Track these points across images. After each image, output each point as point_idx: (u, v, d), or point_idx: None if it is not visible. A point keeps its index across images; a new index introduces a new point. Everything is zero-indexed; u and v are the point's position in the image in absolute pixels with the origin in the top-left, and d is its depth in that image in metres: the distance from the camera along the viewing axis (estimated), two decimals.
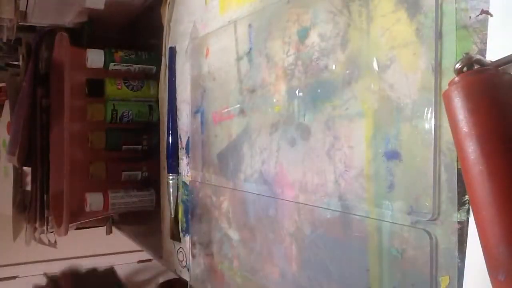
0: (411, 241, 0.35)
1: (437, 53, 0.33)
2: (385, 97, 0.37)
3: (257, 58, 0.53)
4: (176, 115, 0.76)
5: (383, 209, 0.37)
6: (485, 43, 0.30)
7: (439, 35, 0.33)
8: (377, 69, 0.37)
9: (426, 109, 0.33)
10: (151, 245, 0.89)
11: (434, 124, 0.33)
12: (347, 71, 0.40)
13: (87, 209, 0.80)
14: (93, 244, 1.28)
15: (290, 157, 0.48)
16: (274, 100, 0.50)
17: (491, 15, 0.29)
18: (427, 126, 0.33)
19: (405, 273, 0.35)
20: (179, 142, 0.75)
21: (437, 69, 0.33)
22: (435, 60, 0.33)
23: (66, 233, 0.82)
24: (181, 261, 0.74)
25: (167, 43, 0.79)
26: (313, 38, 0.44)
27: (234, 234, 0.58)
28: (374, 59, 0.37)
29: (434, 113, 0.33)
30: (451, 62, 0.32)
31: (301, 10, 0.46)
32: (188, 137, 0.71)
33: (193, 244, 0.69)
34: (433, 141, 0.33)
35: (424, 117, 0.33)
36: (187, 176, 0.72)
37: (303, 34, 0.46)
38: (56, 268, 1.36)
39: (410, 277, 0.35)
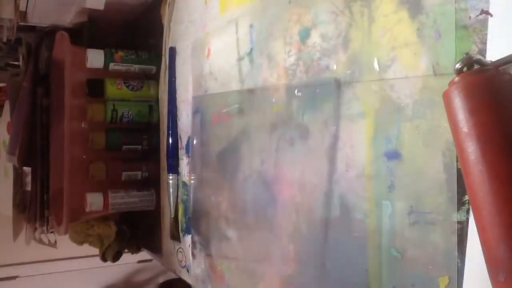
0: (411, 241, 0.35)
1: (438, 53, 0.33)
2: (386, 97, 0.37)
3: (258, 58, 0.53)
4: (176, 115, 0.76)
5: (383, 209, 0.37)
6: (485, 43, 0.30)
7: (439, 35, 0.33)
8: (378, 69, 0.37)
9: (426, 109, 0.33)
10: (151, 245, 0.89)
11: (434, 124, 0.33)
12: (348, 71, 0.40)
13: (87, 209, 0.80)
14: None
15: (289, 157, 0.48)
16: (273, 100, 0.50)
17: (491, 15, 0.29)
18: (427, 126, 0.33)
19: (404, 273, 0.35)
20: (179, 142, 0.75)
21: (437, 69, 0.33)
22: (435, 60, 0.33)
23: (66, 232, 0.82)
24: (181, 261, 0.74)
25: (167, 43, 0.79)
26: (315, 38, 0.44)
27: (233, 234, 0.58)
28: (375, 59, 0.37)
29: (434, 113, 0.33)
30: (451, 62, 0.32)
31: (303, 10, 0.46)
32: (188, 137, 0.71)
33: (193, 244, 0.69)
34: (433, 141, 0.33)
35: (425, 117, 0.33)
36: (187, 176, 0.72)
37: (305, 34, 0.46)
38: (56, 268, 1.36)
39: (410, 277, 0.35)
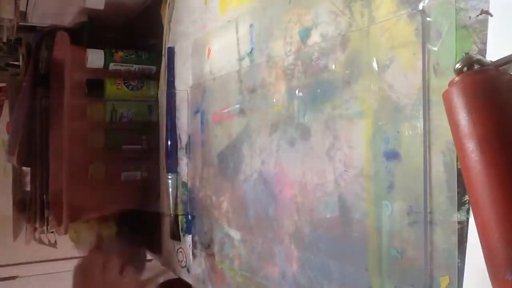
0: (410, 241, 0.35)
1: (438, 53, 0.33)
2: (385, 97, 0.37)
3: (258, 58, 0.53)
4: (176, 115, 0.76)
5: (383, 209, 0.37)
6: (485, 43, 0.30)
7: (439, 35, 0.33)
8: (376, 69, 0.37)
9: (425, 109, 0.33)
10: (151, 245, 0.89)
11: (434, 124, 0.33)
12: (347, 71, 0.40)
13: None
14: None
15: (289, 157, 0.48)
16: (274, 100, 0.50)
17: (491, 15, 0.29)
18: (426, 126, 0.33)
19: (405, 273, 0.35)
20: (179, 142, 0.75)
21: (437, 69, 0.33)
22: (435, 60, 0.33)
23: (66, 232, 0.82)
24: (181, 261, 0.74)
25: (167, 43, 0.79)
26: (315, 38, 0.44)
27: (235, 234, 0.58)
28: (374, 59, 0.37)
29: (434, 113, 0.33)
30: (451, 62, 0.32)
31: (303, 10, 0.46)
32: (188, 137, 0.71)
33: (194, 244, 0.69)
34: (432, 141, 0.33)
35: (424, 117, 0.33)
36: (187, 176, 0.72)
37: (305, 34, 0.46)
38: (56, 268, 1.36)
39: (410, 277, 0.35)
